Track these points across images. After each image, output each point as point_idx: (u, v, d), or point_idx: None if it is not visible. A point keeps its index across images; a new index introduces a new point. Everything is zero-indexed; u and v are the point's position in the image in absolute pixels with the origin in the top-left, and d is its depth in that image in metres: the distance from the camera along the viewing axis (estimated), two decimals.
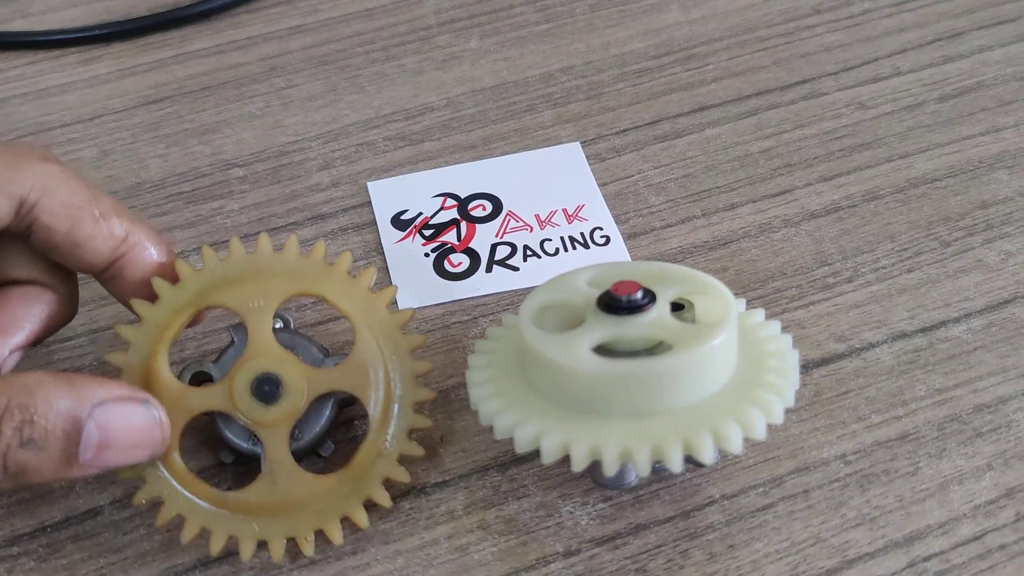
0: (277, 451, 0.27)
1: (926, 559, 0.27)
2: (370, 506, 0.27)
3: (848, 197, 0.36)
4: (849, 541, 0.27)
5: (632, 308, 0.26)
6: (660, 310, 0.26)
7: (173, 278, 0.28)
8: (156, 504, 0.27)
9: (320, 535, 0.27)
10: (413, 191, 0.37)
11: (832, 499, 0.28)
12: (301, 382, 0.27)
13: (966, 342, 0.32)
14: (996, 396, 0.30)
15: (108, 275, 0.27)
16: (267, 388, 0.26)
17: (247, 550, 0.26)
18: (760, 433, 0.25)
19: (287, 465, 0.27)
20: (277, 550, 0.26)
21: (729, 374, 0.26)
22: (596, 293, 0.27)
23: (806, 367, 0.31)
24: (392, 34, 0.45)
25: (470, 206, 0.36)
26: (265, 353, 0.27)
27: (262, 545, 0.26)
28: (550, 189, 0.37)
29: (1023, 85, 0.40)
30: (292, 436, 0.27)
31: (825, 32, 0.43)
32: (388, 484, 0.27)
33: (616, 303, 0.26)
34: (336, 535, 0.27)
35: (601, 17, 0.45)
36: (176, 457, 0.26)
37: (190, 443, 0.29)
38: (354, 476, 0.27)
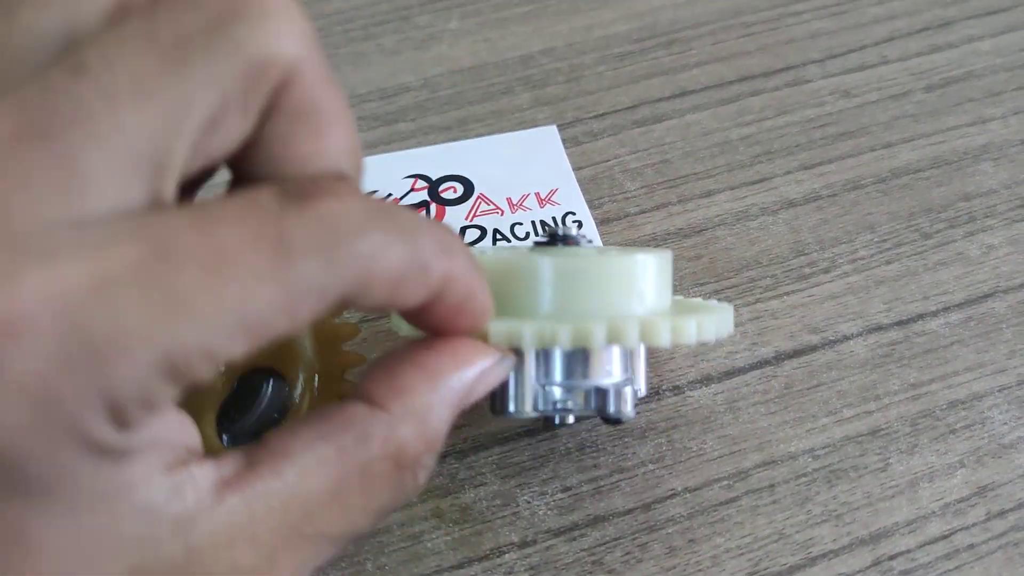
0: (203, 437, 0.26)
1: (891, 557, 0.26)
2: None
3: (828, 186, 0.36)
4: (814, 538, 0.27)
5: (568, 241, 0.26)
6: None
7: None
8: None
9: None
10: (383, 172, 0.36)
11: (798, 494, 0.27)
12: None
13: (943, 336, 0.31)
14: (971, 392, 0.30)
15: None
16: None
17: None
18: (690, 337, 0.23)
19: (216, 449, 0.26)
20: None
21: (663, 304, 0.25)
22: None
23: (777, 358, 0.30)
24: (372, 13, 0.44)
25: (441, 188, 0.35)
26: None
27: None
28: (523, 172, 0.36)
29: (1012, 76, 0.40)
30: (229, 417, 0.26)
31: (812, 19, 0.42)
32: None
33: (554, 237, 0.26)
34: None
35: None
36: None
37: None
38: None
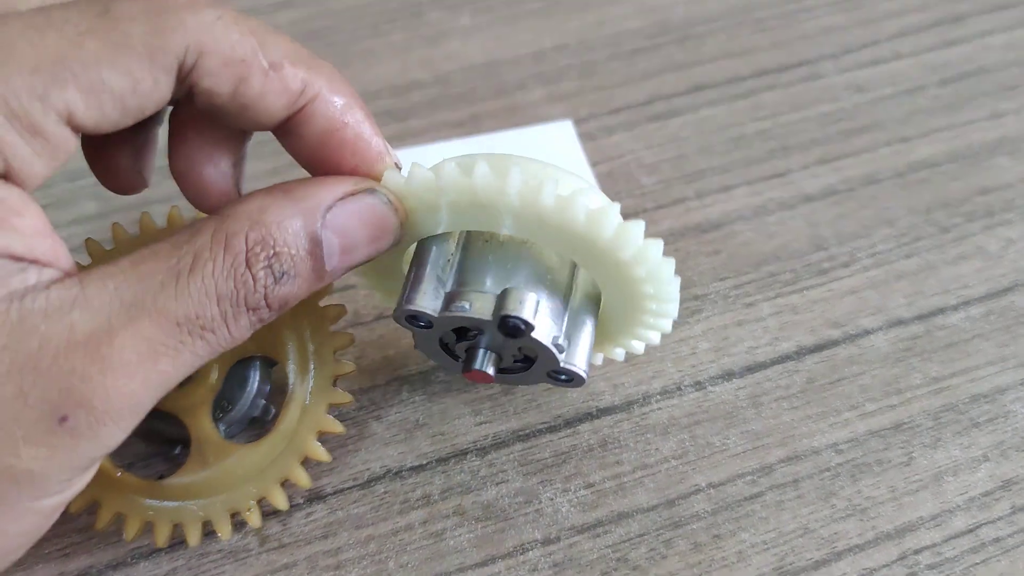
0: (201, 430, 0.26)
1: (917, 552, 0.26)
2: (346, 488, 0.26)
3: (845, 180, 0.35)
4: (839, 532, 0.26)
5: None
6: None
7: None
8: (93, 509, 0.26)
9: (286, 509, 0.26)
10: None
11: (822, 489, 0.27)
12: None
13: (964, 330, 0.31)
14: (994, 386, 0.29)
15: (282, 132, 0.22)
16: None
17: (193, 535, 0.25)
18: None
19: (213, 440, 0.26)
20: (224, 528, 0.25)
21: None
22: None
23: (799, 353, 0.30)
24: (382, 10, 0.44)
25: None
26: None
27: (209, 527, 0.26)
28: None
29: None
30: (222, 408, 0.26)
31: (824, 14, 0.42)
32: (325, 445, 0.26)
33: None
34: (279, 500, 0.26)
35: None
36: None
37: None
38: (284, 437, 0.26)
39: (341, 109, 0.22)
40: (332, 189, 0.21)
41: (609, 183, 0.35)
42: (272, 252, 0.20)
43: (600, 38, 0.41)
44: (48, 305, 0.18)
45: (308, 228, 0.21)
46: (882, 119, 0.38)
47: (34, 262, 0.19)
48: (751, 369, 0.30)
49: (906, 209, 0.34)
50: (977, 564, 0.26)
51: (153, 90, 0.19)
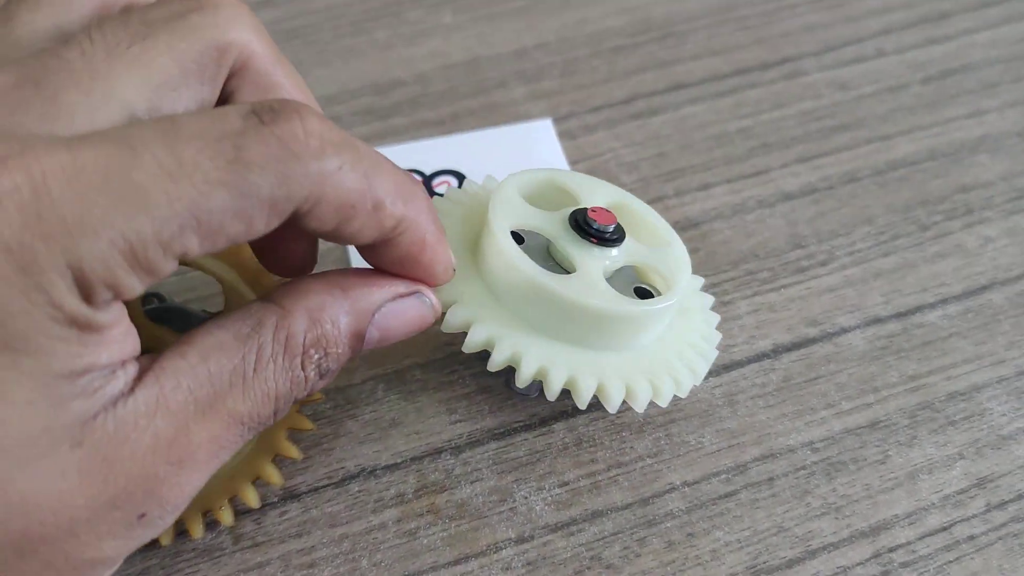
0: None
1: (891, 550, 0.26)
2: (320, 487, 0.26)
3: (825, 179, 0.35)
4: (813, 531, 0.26)
5: (601, 239, 0.26)
6: (624, 250, 0.27)
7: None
8: None
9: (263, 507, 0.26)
10: None
11: (797, 487, 0.27)
12: None
13: (942, 328, 0.31)
14: (970, 384, 0.29)
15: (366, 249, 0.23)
16: None
17: (165, 534, 0.25)
18: (664, 401, 0.26)
19: None
20: (196, 527, 0.25)
21: (655, 336, 0.27)
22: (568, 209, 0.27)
23: (776, 351, 0.30)
24: (363, 9, 0.44)
25: (435, 182, 0.35)
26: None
27: (181, 526, 0.25)
28: (518, 166, 0.35)
29: (1008, 68, 0.39)
30: None
31: (807, 12, 0.42)
32: (301, 445, 0.26)
33: (588, 227, 0.26)
34: (251, 498, 0.25)
35: None
36: None
37: None
38: (241, 453, 0.26)
39: (427, 239, 0.22)
40: (386, 291, 0.23)
41: None
42: (324, 352, 0.21)
43: (581, 36, 0.41)
44: (136, 413, 0.19)
45: (357, 328, 0.22)
46: (864, 117, 0.38)
47: (122, 364, 0.19)
48: (727, 367, 0.30)
49: (885, 207, 0.34)
50: (951, 562, 0.26)
51: (260, 232, 0.19)
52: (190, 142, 0.17)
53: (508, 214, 0.26)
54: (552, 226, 0.27)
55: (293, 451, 0.26)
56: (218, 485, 0.25)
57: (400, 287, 0.23)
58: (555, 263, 0.27)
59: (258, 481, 0.26)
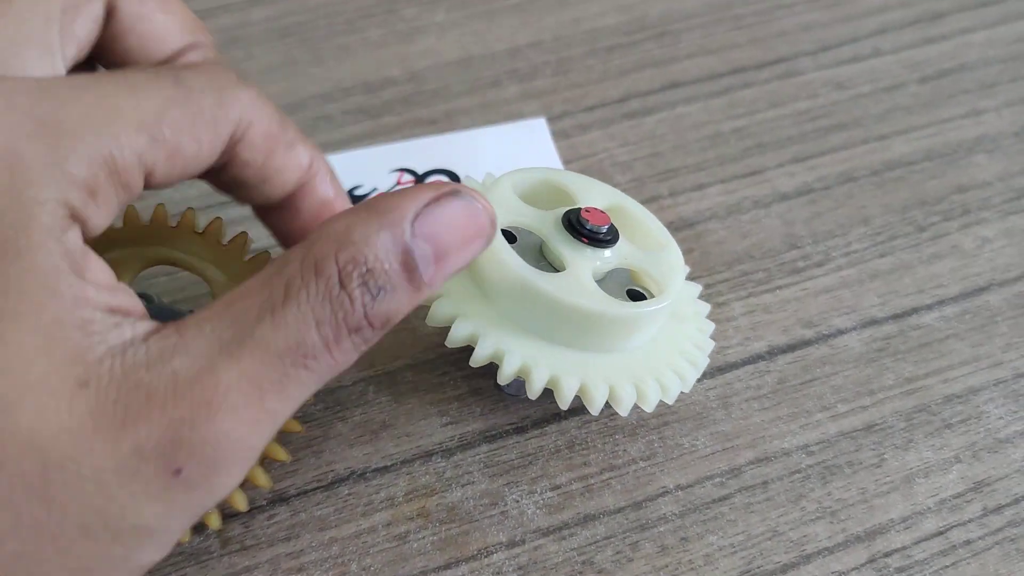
0: None
1: (887, 554, 0.25)
2: (309, 490, 0.26)
3: (821, 179, 0.35)
4: (808, 535, 0.26)
5: (593, 239, 0.26)
6: (617, 252, 0.26)
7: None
8: None
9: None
10: (369, 166, 0.35)
11: (792, 491, 0.27)
12: None
13: (938, 330, 0.31)
14: (967, 386, 0.29)
15: (281, 207, 0.24)
16: None
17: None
18: (650, 406, 0.26)
19: None
20: (213, 518, 0.25)
21: (645, 340, 0.26)
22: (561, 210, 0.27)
23: (771, 353, 0.30)
24: (357, 6, 0.43)
25: (427, 181, 0.35)
26: None
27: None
28: (511, 165, 0.35)
29: (1005, 68, 0.39)
30: None
31: (804, 11, 0.42)
32: (291, 444, 0.26)
33: (580, 227, 0.26)
34: (239, 501, 0.24)
35: None
36: None
37: None
38: None
39: (335, 186, 0.24)
40: (416, 197, 0.21)
41: None
42: (365, 269, 0.19)
43: (576, 35, 0.41)
44: (149, 357, 0.18)
45: (397, 240, 0.20)
46: (860, 117, 0.37)
47: (126, 315, 0.18)
48: (722, 369, 0.29)
49: (882, 208, 0.34)
50: (947, 567, 0.25)
51: (209, 156, 0.21)
52: (143, 77, 0.20)
53: (501, 211, 0.26)
54: (545, 225, 0.26)
55: (282, 454, 0.25)
56: None
57: (430, 191, 0.21)
58: (547, 263, 0.27)
59: (247, 484, 0.25)
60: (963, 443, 0.28)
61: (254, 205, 0.24)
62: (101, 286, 0.19)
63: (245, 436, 0.18)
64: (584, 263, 0.26)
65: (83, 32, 0.22)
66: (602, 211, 0.26)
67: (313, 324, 0.19)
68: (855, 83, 0.39)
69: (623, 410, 0.25)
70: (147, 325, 0.19)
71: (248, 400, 0.18)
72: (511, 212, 0.26)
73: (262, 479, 0.25)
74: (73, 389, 0.17)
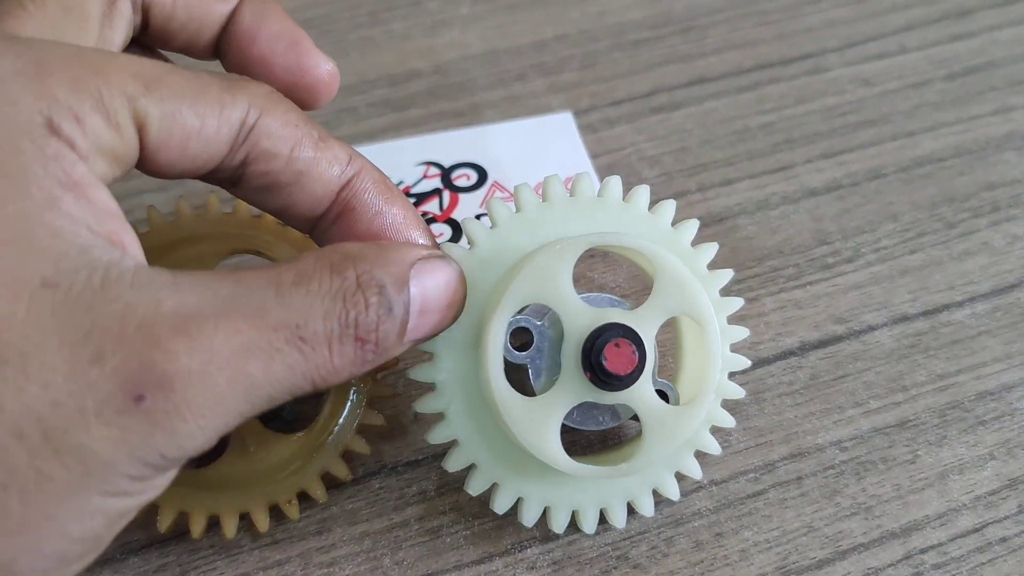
0: (251, 429, 0.25)
1: (923, 551, 0.25)
2: (339, 484, 0.26)
3: (850, 175, 0.35)
4: (843, 531, 0.26)
5: (606, 384, 0.22)
6: (643, 383, 0.22)
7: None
8: None
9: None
10: (395, 159, 0.35)
11: (826, 487, 0.27)
12: None
13: (970, 327, 0.30)
14: (1000, 383, 0.29)
15: (334, 213, 0.22)
16: None
17: (230, 526, 0.25)
18: (648, 512, 0.25)
19: (255, 429, 0.25)
20: (262, 520, 0.25)
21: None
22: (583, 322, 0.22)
23: (802, 349, 0.30)
24: None
25: (454, 175, 0.35)
26: None
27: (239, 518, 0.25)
28: (539, 159, 0.35)
29: None
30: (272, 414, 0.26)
31: (829, 7, 0.42)
32: (353, 460, 0.26)
33: (603, 375, 0.22)
34: (319, 493, 0.25)
35: None
36: None
37: None
38: (324, 429, 0.25)
39: (385, 183, 0.23)
40: (414, 249, 0.21)
41: (610, 175, 0.35)
42: (378, 289, 0.19)
43: (602, 28, 0.41)
44: (136, 280, 0.17)
45: (401, 274, 0.20)
46: (887, 113, 0.37)
47: (119, 245, 0.18)
48: (754, 365, 0.29)
49: (911, 204, 0.34)
50: (984, 564, 0.25)
51: (215, 138, 0.20)
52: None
53: (536, 287, 0.22)
54: (575, 328, 0.22)
55: (363, 447, 0.26)
56: (285, 479, 0.25)
57: (423, 249, 0.21)
58: (555, 364, 0.24)
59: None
60: (997, 440, 0.28)
61: (303, 220, 0.23)
62: (89, 203, 0.17)
63: (220, 388, 0.17)
64: (567, 398, 0.22)
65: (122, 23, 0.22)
66: (635, 344, 0.22)
67: (320, 313, 0.18)
68: (882, 80, 0.38)
69: (619, 524, 0.25)
70: (141, 260, 0.18)
71: (232, 354, 0.17)
72: (545, 293, 0.22)
73: (342, 471, 0.25)
74: (36, 286, 0.16)
